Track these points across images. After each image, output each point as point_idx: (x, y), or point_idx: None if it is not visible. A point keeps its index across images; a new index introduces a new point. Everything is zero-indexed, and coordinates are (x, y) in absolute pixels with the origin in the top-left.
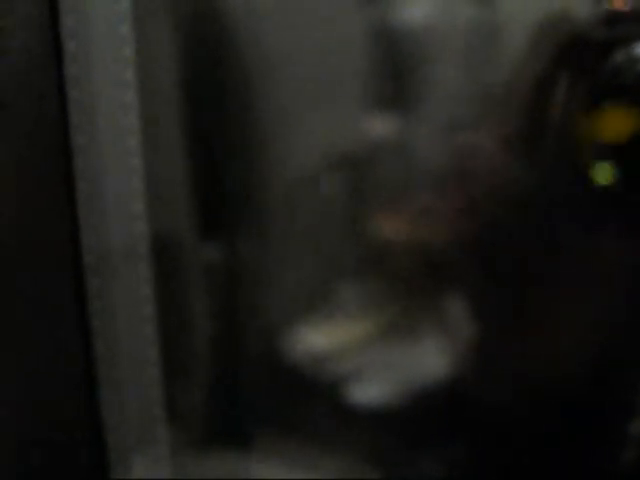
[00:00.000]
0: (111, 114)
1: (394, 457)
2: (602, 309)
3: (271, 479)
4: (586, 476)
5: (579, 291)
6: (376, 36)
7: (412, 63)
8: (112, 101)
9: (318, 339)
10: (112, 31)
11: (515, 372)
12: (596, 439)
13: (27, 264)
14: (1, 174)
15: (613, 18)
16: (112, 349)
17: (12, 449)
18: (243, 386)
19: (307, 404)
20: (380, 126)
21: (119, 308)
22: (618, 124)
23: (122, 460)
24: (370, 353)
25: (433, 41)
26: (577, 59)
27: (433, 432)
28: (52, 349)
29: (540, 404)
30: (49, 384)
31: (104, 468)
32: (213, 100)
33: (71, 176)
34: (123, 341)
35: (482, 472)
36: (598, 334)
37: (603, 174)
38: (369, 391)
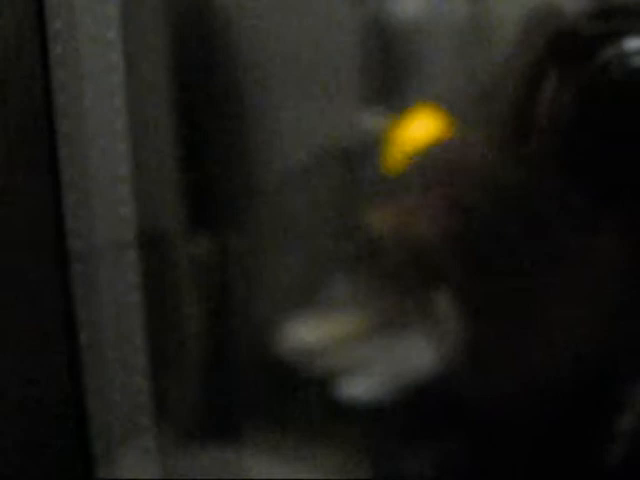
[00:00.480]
0: (98, 100)
1: (386, 452)
2: (592, 306)
3: (262, 479)
4: (574, 472)
5: (569, 288)
6: (369, 30)
7: (404, 57)
8: (99, 85)
9: (309, 334)
10: (98, 13)
11: (506, 369)
12: (585, 436)
13: (11, 251)
14: None
15: (603, 12)
16: (97, 339)
17: None
18: (233, 380)
19: (298, 399)
20: (372, 120)
21: (105, 297)
22: (421, 128)
23: (107, 454)
24: (361, 348)
25: (425, 36)
26: (566, 54)
27: (425, 428)
28: (35, 338)
29: (530, 400)
30: (32, 375)
31: (89, 462)
32: (204, 91)
33: (57, 161)
34: (109, 331)
35: (474, 467)
36: (588, 330)
37: None
38: (360, 386)
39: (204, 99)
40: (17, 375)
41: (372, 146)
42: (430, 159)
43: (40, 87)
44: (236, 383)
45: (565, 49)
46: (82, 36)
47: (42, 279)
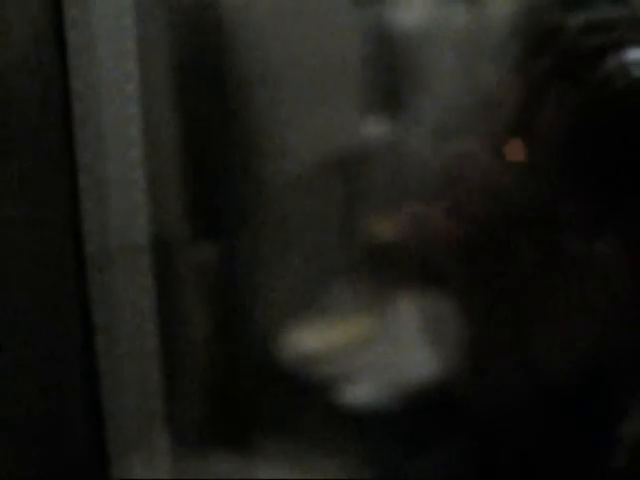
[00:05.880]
0: (114, 110)
1: (388, 457)
2: (595, 311)
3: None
4: (579, 476)
5: (572, 293)
6: (373, 39)
7: (407, 66)
8: (115, 96)
9: (312, 340)
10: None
11: (508, 373)
12: (587, 441)
13: (29, 256)
14: (3, 166)
15: (604, 24)
16: (113, 343)
17: (13, 446)
18: (239, 387)
19: (302, 404)
20: (375, 128)
21: (120, 300)
22: None
23: (121, 459)
24: (364, 354)
25: (427, 47)
26: (568, 66)
27: (427, 433)
28: (52, 342)
29: (533, 405)
30: (49, 380)
31: (103, 467)
32: (211, 103)
33: (74, 170)
34: (124, 334)
35: (475, 471)
36: (590, 335)
37: None
38: (363, 392)
39: (212, 112)
40: (34, 380)
41: (375, 154)
42: (435, 168)
43: (58, 96)
44: (242, 390)
45: (567, 61)
46: (100, 47)
47: (59, 283)
